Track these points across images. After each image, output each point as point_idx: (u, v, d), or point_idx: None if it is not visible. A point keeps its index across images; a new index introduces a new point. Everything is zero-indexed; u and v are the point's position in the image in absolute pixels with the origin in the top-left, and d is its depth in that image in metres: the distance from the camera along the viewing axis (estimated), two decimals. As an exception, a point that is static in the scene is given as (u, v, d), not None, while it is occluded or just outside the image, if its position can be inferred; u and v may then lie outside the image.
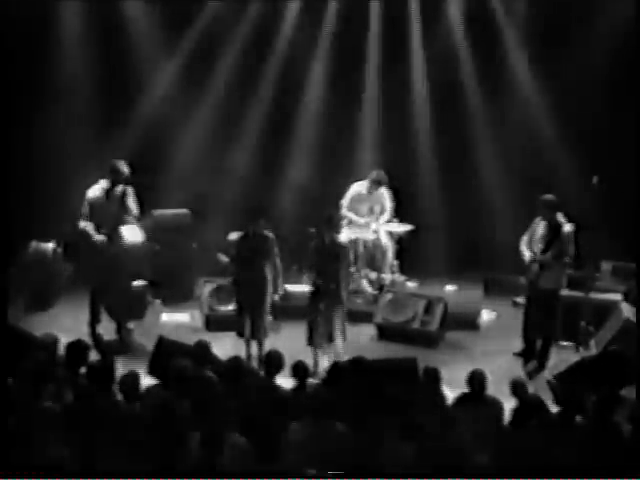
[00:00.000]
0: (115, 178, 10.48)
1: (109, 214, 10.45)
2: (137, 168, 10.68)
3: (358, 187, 12.21)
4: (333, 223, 10.17)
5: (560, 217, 10.16)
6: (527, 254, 10.20)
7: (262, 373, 8.14)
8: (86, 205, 10.48)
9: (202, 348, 8.36)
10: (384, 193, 12.19)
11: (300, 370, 7.94)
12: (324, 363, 9.85)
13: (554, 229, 10.10)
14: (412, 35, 13.37)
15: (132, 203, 10.61)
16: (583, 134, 12.87)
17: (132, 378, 7.55)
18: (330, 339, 10.07)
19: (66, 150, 13.03)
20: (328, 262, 9.97)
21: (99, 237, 10.39)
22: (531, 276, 10.24)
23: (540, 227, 10.20)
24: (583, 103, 12.75)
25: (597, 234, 10.73)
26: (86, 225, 10.48)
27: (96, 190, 10.51)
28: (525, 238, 10.31)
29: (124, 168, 10.50)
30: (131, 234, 10.75)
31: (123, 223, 10.59)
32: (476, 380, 7.89)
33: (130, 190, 10.59)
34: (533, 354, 10.39)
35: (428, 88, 13.44)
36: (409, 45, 13.38)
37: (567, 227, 10.11)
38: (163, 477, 6.33)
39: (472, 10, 13.18)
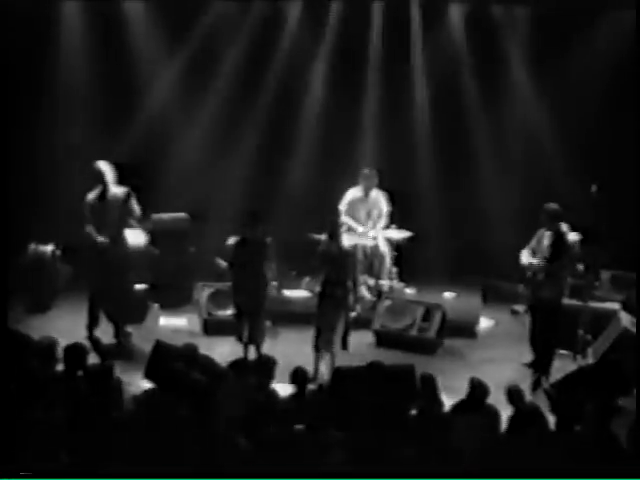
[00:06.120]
0: (101, 182, 10.45)
1: (107, 217, 10.44)
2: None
3: (355, 191, 12.23)
4: (338, 229, 10.25)
5: (563, 226, 10.10)
6: (534, 261, 9.99)
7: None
8: (86, 210, 10.50)
9: (190, 350, 8.39)
10: (381, 197, 12.19)
11: (300, 376, 7.93)
12: (324, 369, 9.87)
13: (559, 239, 10.00)
14: (413, 37, 13.36)
15: (135, 206, 10.60)
16: (583, 141, 12.87)
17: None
18: (330, 345, 10.06)
19: (66, 151, 13.02)
20: (335, 268, 9.99)
21: (101, 239, 10.40)
22: (534, 286, 10.13)
23: (545, 238, 10.02)
24: (583, 109, 12.76)
25: (596, 243, 10.70)
26: (90, 229, 10.47)
27: (93, 195, 10.51)
28: (526, 251, 10.15)
29: (106, 170, 10.45)
30: (134, 237, 10.76)
31: (127, 226, 10.62)
32: (479, 388, 7.88)
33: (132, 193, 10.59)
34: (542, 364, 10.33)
35: (428, 92, 13.43)
36: (410, 47, 13.37)
37: (572, 236, 10.04)
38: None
39: (474, 13, 13.19)
